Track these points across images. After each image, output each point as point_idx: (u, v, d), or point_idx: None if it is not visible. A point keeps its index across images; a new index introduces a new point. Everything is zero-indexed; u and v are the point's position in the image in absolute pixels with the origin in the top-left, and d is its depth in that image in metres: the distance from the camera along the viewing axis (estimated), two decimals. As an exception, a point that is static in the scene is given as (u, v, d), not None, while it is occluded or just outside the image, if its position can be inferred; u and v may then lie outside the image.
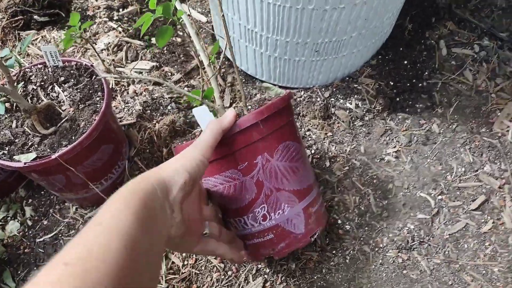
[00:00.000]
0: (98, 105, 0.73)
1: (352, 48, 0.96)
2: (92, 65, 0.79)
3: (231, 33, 1.01)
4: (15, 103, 0.76)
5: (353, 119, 1.02)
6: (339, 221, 0.87)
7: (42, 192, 0.91)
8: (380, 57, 1.09)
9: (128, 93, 1.07)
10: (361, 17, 0.86)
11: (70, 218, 0.87)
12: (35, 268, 0.82)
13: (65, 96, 0.77)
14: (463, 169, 0.94)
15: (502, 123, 1.00)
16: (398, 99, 1.05)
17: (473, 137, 0.98)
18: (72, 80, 0.77)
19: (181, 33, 1.24)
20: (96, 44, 1.21)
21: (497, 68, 1.08)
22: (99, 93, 0.75)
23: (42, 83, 0.78)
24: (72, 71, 0.79)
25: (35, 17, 1.25)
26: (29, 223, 0.87)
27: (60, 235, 0.85)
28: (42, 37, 1.24)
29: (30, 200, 0.90)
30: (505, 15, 1.16)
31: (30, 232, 0.87)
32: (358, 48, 0.97)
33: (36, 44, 1.23)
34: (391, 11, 0.93)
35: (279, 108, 0.65)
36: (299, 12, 0.82)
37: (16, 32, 1.25)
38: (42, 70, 0.79)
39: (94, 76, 0.77)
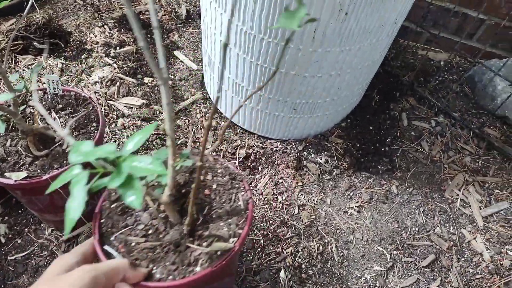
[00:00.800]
0: (92, 135, 0.79)
1: (325, 110, 1.08)
2: (90, 97, 0.85)
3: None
4: (11, 124, 0.81)
5: (322, 172, 1.11)
6: (303, 266, 0.94)
7: (20, 211, 0.93)
8: (349, 121, 1.21)
9: (116, 125, 1.13)
10: (334, 86, 0.98)
11: (44, 239, 0.89)
12: (2, 286, 0.82)
13: (60, 122, 0.82)
14: (417, 228, 1.04)
15: (452, 191, 1.12)
16: (363, 159, 1.16)
17: (426, 201, 1.10)
18: (69, 108, 0.84)
19: (172, 76, 1.33)
20: (90, 76, 1.28)
21: (450, 142, 1.22)
22: (94, 124, 0.81)
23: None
24: (70, 100, 0.85)
25: (35, 43, 1.32)
26: (2, 240, 0.88)
27: (32, 255, 0.86)
28: (38, 63, 1.31)
29: (6, 218, 0.92)
30: (458, 97, 1.34)
31: (2, 249, 0.88)
32: (330, 111, 1.09)
33: (31, 68, 1.29)
34: (361, 83, 1.07)
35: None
36: (283, 75, 0.94)
37: (13, 55, 1.31)
38: (42, 96, 0.85)
39: (91, 107, 0.84)
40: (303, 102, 1.02)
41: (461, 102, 1.33)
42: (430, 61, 1.42)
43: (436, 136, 1.23)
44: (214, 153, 1.13)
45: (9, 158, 0.77)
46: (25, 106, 0.82)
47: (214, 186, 0.61)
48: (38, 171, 0.75)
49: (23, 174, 0.74)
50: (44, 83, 0.86)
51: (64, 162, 0.76)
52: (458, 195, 1.11)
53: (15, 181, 0.72)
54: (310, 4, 0.76)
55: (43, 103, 0.86)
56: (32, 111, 0.85)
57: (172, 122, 0.41)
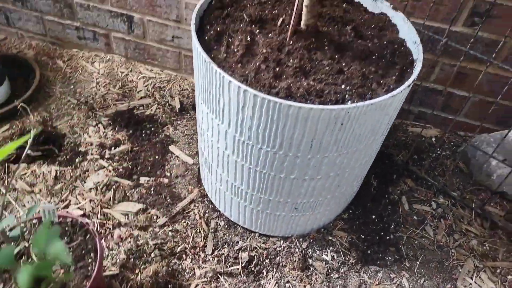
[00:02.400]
0: (90, 268, 0.75)
1: (326, 206, 1.06)
2: (87, 223, 0.83)
3: (218, 185, 1.10)
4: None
5: (329, 271, 1.07)
6: None
7: None
8: (350, 211, 1.20)
9: (113, 237, 1.10)
10: (334, 184, 0.98)
11: None
12: None
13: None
14: (433, 326, 0.99)
15: (464, 280, 1.08)
16: (369, 251, 1.13)
17: (439, 292, 1.05)
18: (66, 237, 0.81)
19: (168, 174, 1.32)
20: (85, 182, 1.27)
21: (454, 224, 1.20)
22: (92, 254, 0.78)
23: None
24: (67, 228, 0.82)
25: (28, 151, 1.31)
26: None
27: None
28: (31, 171, 1.29)
29: None
30: (454, 175, 1.34)
31: None
32: (331, 206, 1.08)
33: (24, 178, 1.27)
34: (359, 176, 1.07)
35: None
36: (282, 179, 0.93)
37: (6, 164, 1.29)
38: (36, 226, 0.83)
39: (88, 235, 0.81)
40: (304, 201, 1.01)
41: (458, 179, 1.33)
42: (422, 138, 1.45)
43: (439, 219, 1.22)
44: (216, 259, 1.09)
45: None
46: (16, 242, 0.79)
47: None
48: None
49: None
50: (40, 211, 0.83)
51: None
52: (471, 284, 1.07)
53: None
54: (307, 118, 0.77)
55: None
56: (27, 245, 0.81)
57: None
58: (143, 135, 1.44)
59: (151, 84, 1.61)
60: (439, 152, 1.41)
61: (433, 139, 1.45)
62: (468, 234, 1.19)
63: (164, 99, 1.57)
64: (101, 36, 1.62)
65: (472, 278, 1.08)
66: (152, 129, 1.46)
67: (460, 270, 1.10)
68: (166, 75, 1.64)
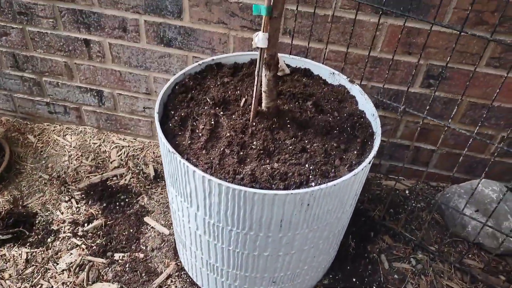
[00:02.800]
0: None
1: (304, 276, 1.05)
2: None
3: (193, 261, 1.08)
4: None
5: None
6: None
7: None
8: (331, 276, 1.19)
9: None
10: (310, 255, 0.97)
11: None
12: None
13: None
14: None
15: None
16: (352, 316, 1.11)
17: None
18: None
19: (143, 247, 1.29)
20: (58, 264, 1.22)
21: (435, 281, 1.20)
22: None
23: None
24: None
25: (-3, 235, 1.27)
26: None
27: None
28: (1, 256, 1.25)
29: None
30: (431, 227, 1.36)
31: None
32: (310, 275, 1.07)
33: (-7, 264, 1.22)
34: (335, 243, 1.07)
35: None
36: (256, 256, 0.93)
37: (-26, 251, 1.25)
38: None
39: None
40: (281, 275, 1.00)
41: (435, 231, 1.35)
42: (396, 191, 1.47)
43: (419, 276, 1.21)
44: None
45: None
46: None
47: None
48: None
49: None
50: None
51: None
52: None
53: None
54: (273, 202, 0.77)
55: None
56: None
57: None
58: (117, 207, 1.42)
59: (124, 153, 1.61)
60: (414, 204, 1.43)
61: (407, 192, 1.48)
62: (449, 290, 1.18)
63: (138, 167, 1.56)
64: (72, 110, 1.63)
65: None
66: (126, 200, 1.44)
67: (444, 330, 1.09)
68: (139, 143, 1.65)
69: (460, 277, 1.22)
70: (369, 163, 0.83)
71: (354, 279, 1.19)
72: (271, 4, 0.72)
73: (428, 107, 1.10)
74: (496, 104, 1.26)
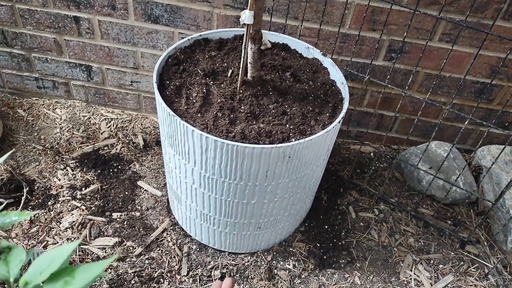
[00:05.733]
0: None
1: (285, 222, 1.23)
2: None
3: (188, 214, 1.23)
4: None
5: (292, 278, 1.23)
6: None
7: None
8: (306, 224, 1.37)
9: (95, 273, 1.19)
10: (290, 203, 1.15)
11: None
12: None
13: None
14: (383, 316, 1.17)
15: (405, 272, 1.28)
16: (325, 257, 1.30)
17: (386, 286, 1.24)
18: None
19: (139, 207, 1.43)
20: (61, 223, 1.35)
21: (394, 227, 1.41)
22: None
23: None
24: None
25: (1, 200, 1.37)
26: None
27: None
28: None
29: None
30: (392, 184, 1.56)
31: None
32: (290, 221, 1.25)
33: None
34: (311, 194, 1.25)
35: None
36: (245, 204, 1.09)
37: (-20, 215, 1.34)
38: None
39: None
40: (265, 221, 1.17)
41: (395, 186, 1.55)
42: (362, 154, 1.66)
43: (381, 223, 1.42)
44: (191, 279, 1.21)
45: None
46: None
47: None
48: None
49: None
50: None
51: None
52: (411, 275, 1.27)
53: None
54: (260, 155, 0.93)
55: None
56: None
57: None
58: (111, 173, 1.54)
59: (113, 125, 1.71)
60: (377, 164, 1.63)
61: (372, 154, 1.67)
62: (406, 234, 1.39)
63: (127, 138, 1.68)
64: (60, 85, 1.71)
65: (411, 271, 1.28)
66: (119, 167, 1.57)
67: (402, 264, 1.30)
68: (127, 115, 1.75)
69: (415, 223, 1.43)
70: (339, 122, 0.99)
71: (326, 227, 1.38)
72: (257, -13, 0.86)
73: (389, 78, 1.27)
74: (448, 74, 1.45)
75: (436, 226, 1.41)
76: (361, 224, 1.42)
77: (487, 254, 1.34)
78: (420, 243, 1.37)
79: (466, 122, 1.19)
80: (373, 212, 1.45)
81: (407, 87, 1.42)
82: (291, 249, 1.30)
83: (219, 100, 1.00)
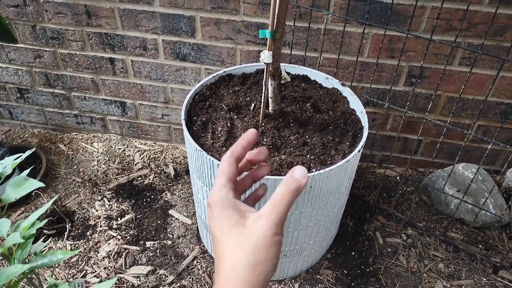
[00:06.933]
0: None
1: (311, 249, 1.25)
2: (113, 291, 0.99)
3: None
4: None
5: (320, 306, 1.24)
6: None
7: None
8: (333, 251, 1.38)
9: (130, 300, 1.25)
10: (314, 231, 1.17)
11: None
12: None
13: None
14: None
15: (435, 299, 1.26)
16: (353, 284, 1.30)
17: (416, 313, 1.23)
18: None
19: (171, 235, 1.49)
20: (98, 252, 1.43)
21: (422, 251, 1.40)
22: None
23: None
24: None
25: (45, 231, 1.48)
26: None
27: None
28: (49, 248, 1.45)
29: None
30: (419, 207, 1.55)
31: None
32: (315, 249, 1.27)
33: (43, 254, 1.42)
34: (335, 221, 1.26)
35: None
36: (270, 233, 1.12)
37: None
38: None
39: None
40: (291, 249, 1.19)
41: (423, 210, 1.54)
42: (388, 178, 1.67)
43: (409, 248, 1.41)
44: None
45: None
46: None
47: None
48: None
49: None
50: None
51: None
52: (441, 302, 1.25)
53: None
54: (282, 186, 0.97)
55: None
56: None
57: None
58: (144, 203, 1.62)
59: (146, 156, 1.81)
60: (403, 188, 1.63)
61: (398, 178, 1.67)
62: (436, 259, 1.38)
63: (159, 168, 1.76)
64: (97, 120, 1.83)
65: (442, 298, 1.26)
66: (152, 196, 1.64)
67: (432, 291, 1.28)
68: (159, 147, 1.85)
69: (445, 248, 1.41)
70: (359, 151, 1.02)
71: (353, 253, 1.38)
72: (274, 29, 0.92)
73: (411, 102, 1.29)
74: (470, 97, 1.46)
75: (467, 251, 1.38)
76: (389, 249, 1.41)
77: (522, 280, 1.30)
78: (450, 269, 1.34)
79: (489, 146, 1.19)
80: (401, 237, 1.45)
81: (429, 111, 1.44)
82: (318, 276, 1.32)
83: (242, 134, 1.05)
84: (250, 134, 0.48)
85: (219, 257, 0.40)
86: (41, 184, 0.77)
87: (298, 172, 0.41)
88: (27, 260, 0.96)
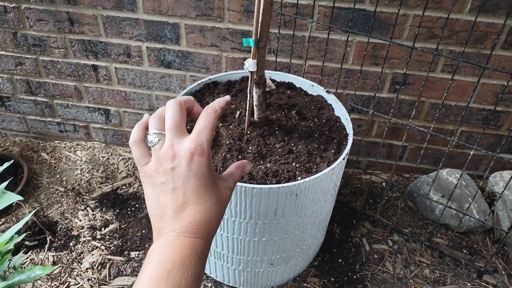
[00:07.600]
0: None
1: (297, 258, 1.24)
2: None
3: (202, 252, 1.26)
4: None
5: (307, 315, 1.23)
6: None
7: None
8: (320, 258, 1.38)
9: (114, 313, 1.22)
10: (301, 239, 1.17)
11: None
12: None
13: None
14: None
15: (421, 305, 1.27)
16: (340, 291, 1.30)
17: (403, 320, 1.23)
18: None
19: (156, 246, 1.47)
20: (82, 263, 1.39)
21: (408, 257, 1.40)
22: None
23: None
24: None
25: (26, 242, 1.44)
26: None
27: None
28: (30, 260, 1.41)
29: None
30: (405, 213, 1.56)
31: None
32: (302, 257, 1.26)
33: (24, 267, 1.38)
34: (322, 229, 1.26)
35: None
36: (256, 242, 1.11)
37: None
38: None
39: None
40: (277, 257, 1.19)
41: (408, 216, 1.55)
42: (374, 184, 1.67)
43: (395, 254, 1.41)
44: (208, 319, 1.23)
45: None
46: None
47: None
48: None
49: None
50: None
51: None
52: (428, 308, 1.25)
53: None
54: (268, 195, 0.96)
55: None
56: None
57: None
58: (129, 212, 1.59)
59: (131, 164, 1.78)
60: (389, 194, 1.64)
61: (383, 183, 1.68)
62: (421, 265, 1.38)
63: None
64: (81, 128, 1.80)
65: (428, 303, 1.27)
66: (137, 205, 1.62)
67: (418, 297, 1.29)
68: (144, 154, 1.82)
69: (430, 253, 1.42)
70: (344, 159, 1.02)
71: (340, 260, 1.38)
72: (258, 38, 0.92)
73: (395, 108, 1.30)
74: (453, 103, 1.48)
75: (452, 256, 1.39)
76: (375, 256, 1.41)
77: (505, 284, 1.31)
78: (436, 274, 1.35)
79: (472, 152, 1.21)
80: (387, 243, 1.45)
81: (413, 117, 1.45)
82: (305, 284, 1.31)
83: (228, 142, 1.05)
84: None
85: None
86: (19, 197, 0.74)
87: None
88: (6, 275, 0.93)
